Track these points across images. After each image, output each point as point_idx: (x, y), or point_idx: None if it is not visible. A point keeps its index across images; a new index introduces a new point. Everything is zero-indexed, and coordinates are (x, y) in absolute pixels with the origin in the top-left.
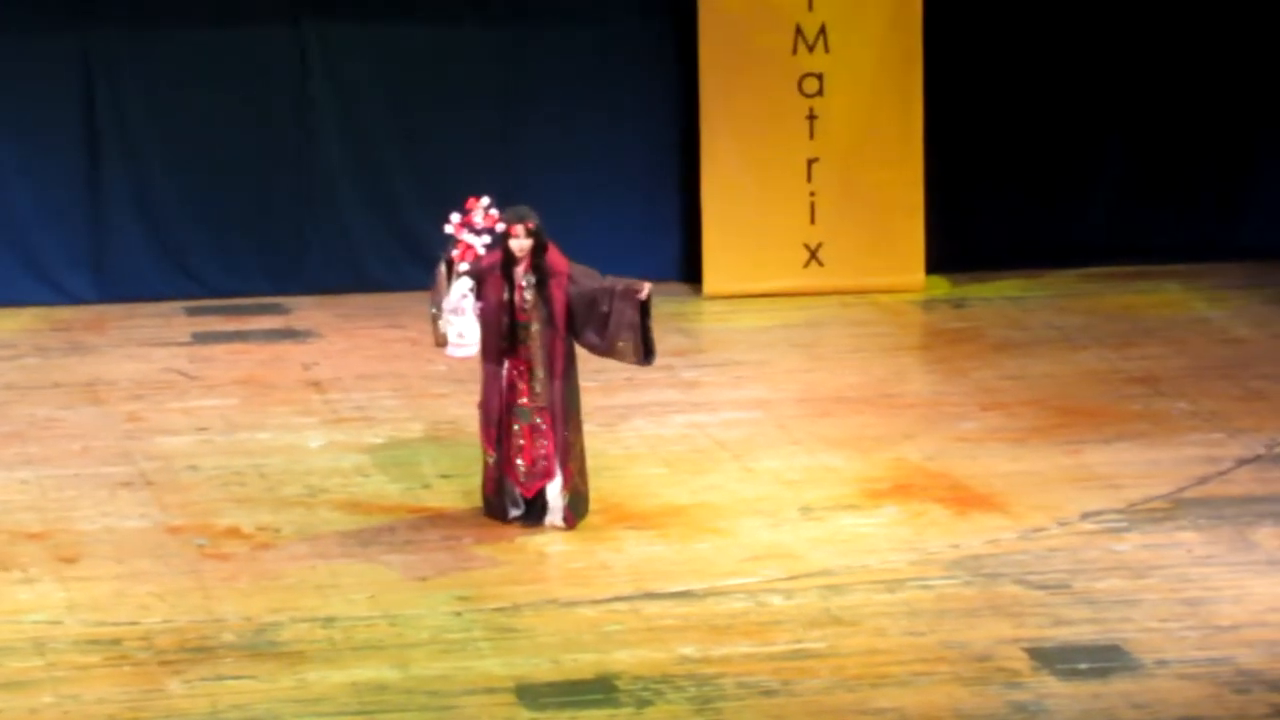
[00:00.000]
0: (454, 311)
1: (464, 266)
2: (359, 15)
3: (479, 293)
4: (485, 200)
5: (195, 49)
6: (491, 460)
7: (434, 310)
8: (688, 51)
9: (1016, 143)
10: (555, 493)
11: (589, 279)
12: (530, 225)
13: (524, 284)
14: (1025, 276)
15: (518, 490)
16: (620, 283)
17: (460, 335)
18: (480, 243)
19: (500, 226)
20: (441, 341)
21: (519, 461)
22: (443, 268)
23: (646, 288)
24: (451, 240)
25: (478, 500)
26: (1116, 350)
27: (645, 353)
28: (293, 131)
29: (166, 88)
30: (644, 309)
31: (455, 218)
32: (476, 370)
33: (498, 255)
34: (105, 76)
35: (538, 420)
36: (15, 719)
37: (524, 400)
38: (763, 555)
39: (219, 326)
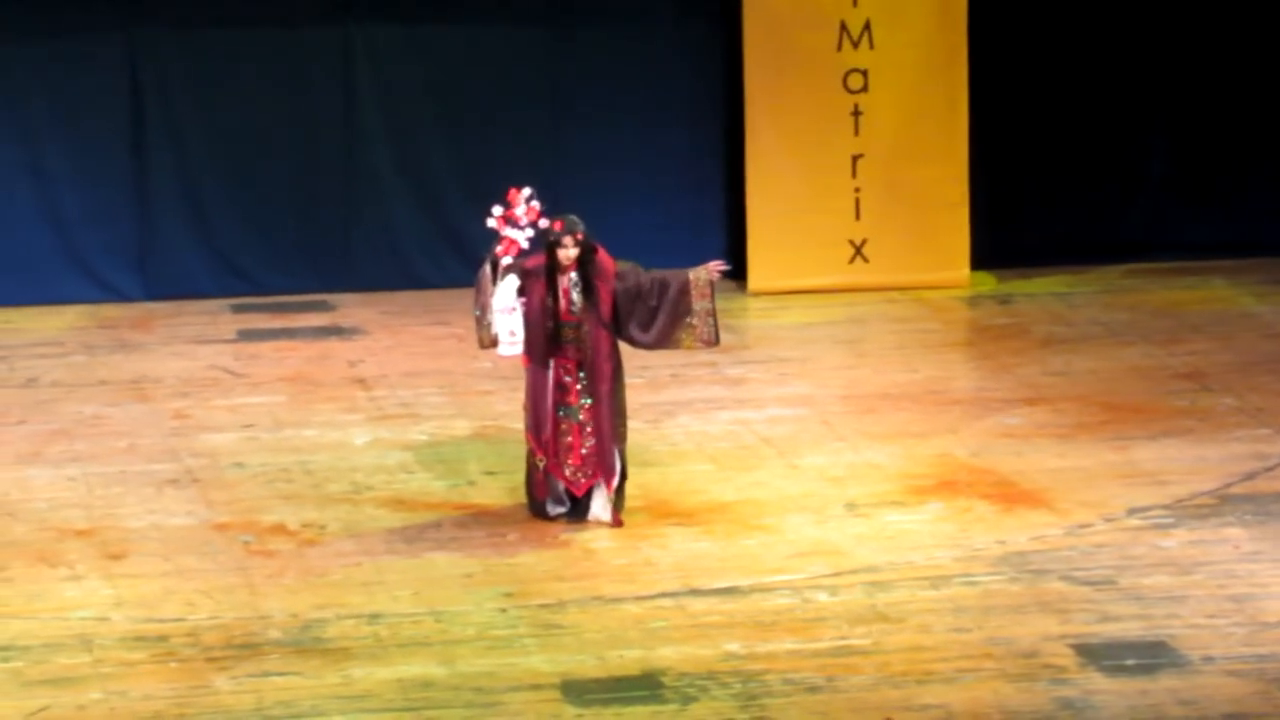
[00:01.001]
0: (504, 310)
1: (507, 261)
2: (404, 15)
3: (522, 293)
4: (527, 191)
5: (241, 48)
6: (541, 465)
7: (478, 312)
8: (732, 48)
9: (1061, 138)
10: (603, 491)
11: (634, 274)
12: (579, 236)
13: (570, 286)
14: (1071, 272)
15: (562, 486)
16: (673, 277)
17: (512, 333)
18: (524, 236)
19: (544, 223)
20: (487, 343)
21: (568, 461)
22: (487, 268)
23: (714, 270)
24: (495, 238)
25: (523, 497)
26: (1163, 346)
27: (715, 335)
28: (338, 130)
29: (212, 87)
30: (713, 290)
31: (497, 211)
32: (521, 368)
33: (543, 259)
34: (152, 76)
35: (586, 419)
36: (63, 715)
37: (572, 399)
38: (808, 551)
39: (265, 324)
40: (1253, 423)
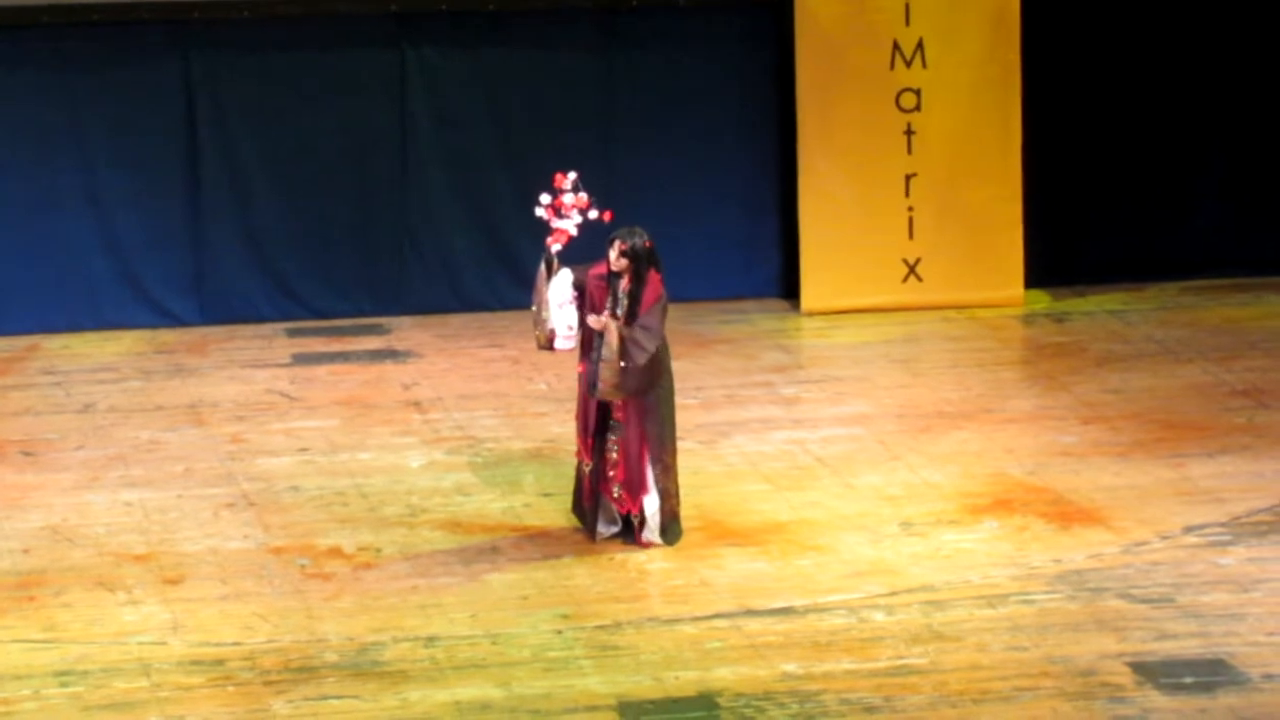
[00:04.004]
0: (561, 303)
1: (557, 248)
2: (459, 39)
3: (582, 299)
4: (573, 175)
5: (296, 73)
6: (587, 469)
7: (534, 308)
8: (785, 68)
9: (1116, 156)
10: (654, 510)
11: (647, 319)
12: (623, 246)
13: (622, 295)
14: (1126, 290)
15: (615, 507)
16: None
17: (570, 327)
18: (573, 225)
19: (593, 214)
20: (544, 341)
21: (612, 474)
22: (543, 268)
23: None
24: (546, 230)
25: (576, 519)
26: (1219, 363)
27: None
28: (393, 154)
29: (268, 112)
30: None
31: (545, 199)
32: (575, 386)
33: (602, 266)
34: (207, 102)
35: (631, 436)
36: None
37: (619, 416)
38: (864, 571)
39: (320, 347)
40: None
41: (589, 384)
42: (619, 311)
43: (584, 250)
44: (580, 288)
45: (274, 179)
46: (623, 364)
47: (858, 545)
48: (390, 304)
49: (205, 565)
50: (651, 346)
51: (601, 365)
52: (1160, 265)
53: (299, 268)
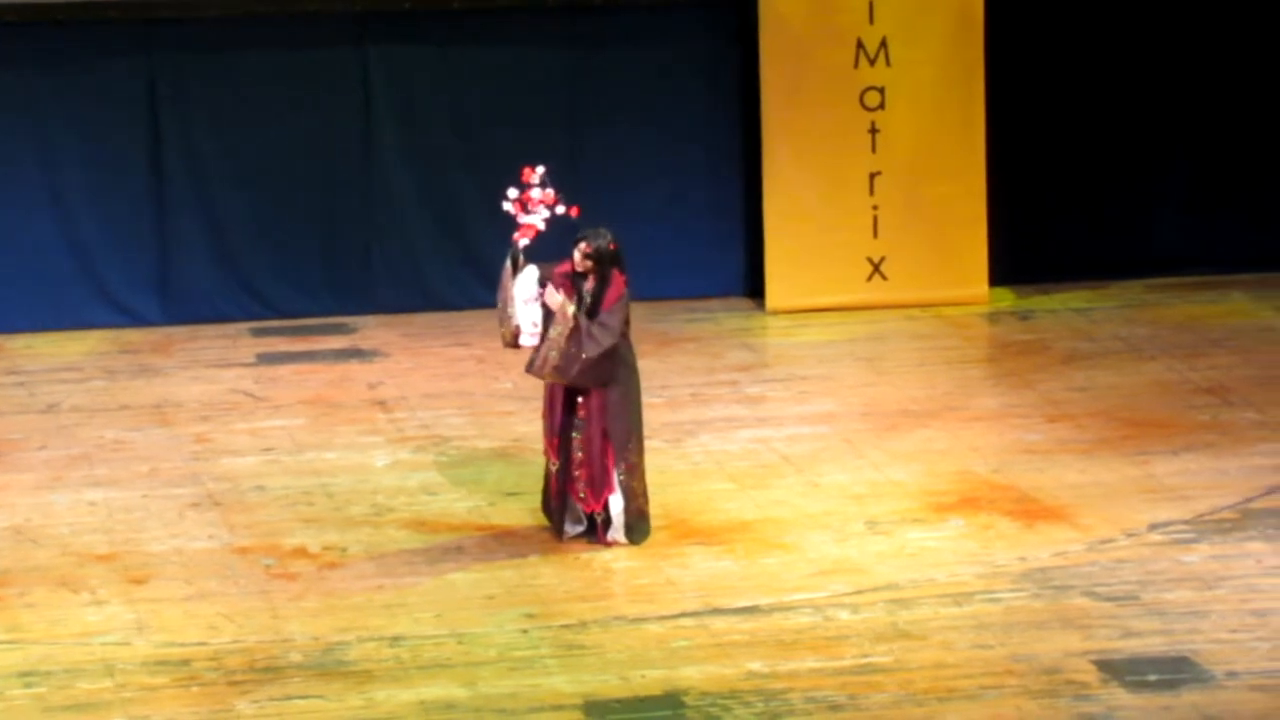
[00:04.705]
0: (526, 300)
1: (525, 243)
2: (423, 38)
3: (543, 284)
4: (540, 169)
5: (260, 72)
6: (555, 468)
7: (500, 304)
8: (750, 66)
9: (1079, 153)
10: (618, 509)
11: (606, 317)
12: (589, 248)
13: (585, 295)
14: (1090, 288)
15: (580, 507)
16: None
17: (535, 324)
18: (540, 219)
19: (560, 209)
20: (509, 338)
21: (577, 474)
22: (509, 264)
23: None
24: (512, 227)
25: (544, 518)
26: (1184, 360)
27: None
28: (358, 153)
29: (231, 111)
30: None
31: (512, 193)
32: (541, 385)
33: (568, 265)
34: (170, 100)
35: (594, 434)
36: None
37: (583, 413)
38: (829, 570)
39: (285, 347)
40: (1274, 437)
41: (529, 361)
42: (581, 310)
43: (551, 247)
44: (545, 285)
45: (237, 178)
46: (569, 348)
47: (823, 544)
48: (355, 303)
49: (170, 565)
50: (606, 342)
51: (546, 344)
52: (1124, 263)
53: (263, 267)
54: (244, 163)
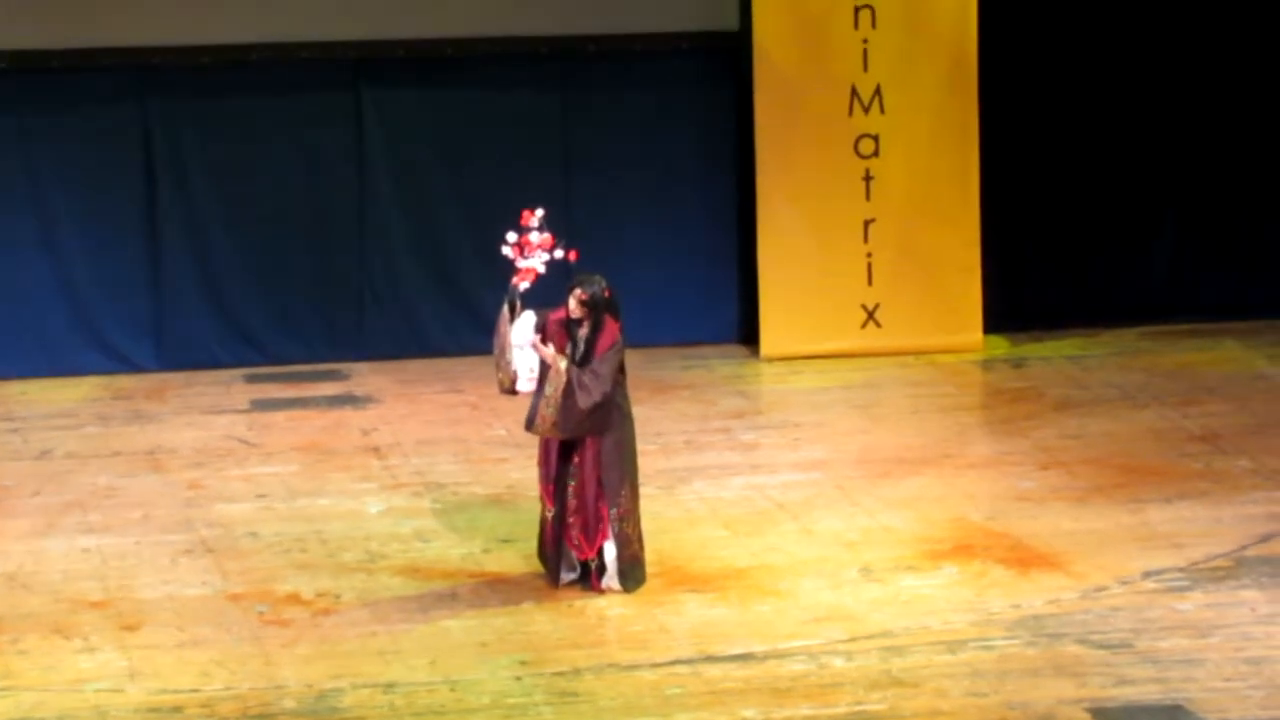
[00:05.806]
0: (522, 345)
1: (525, 286)
2: (416, 81)
3: (540, 330)
4: (540, 213)
5: (254, 118)
6: (550, 514)
7: (496, 350)
8: (744, 112)
9: (1072, 202)
10: (612, 555)
11: (599, 365)
12: (583, 295)
13: (580, 341)
14: (1084, 335)
15: (574, 554)
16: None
17: (532, 370)
18: (538, 263)
19: (559, 253)
20: (507, 384)
21: (572, 520)
22: (506, 308)
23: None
24: (507, 272)
25: (538, 564)
26: (1177, 408)
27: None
28: (351, 198)
29: (225, 157)
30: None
31: (511, 237)
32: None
33: (563, 312)
34: (165, 146)
35: (587, 481)
36: None
37: (578, 460)
38: (823, 617)
39: (279, 393)
40: (1268, 484)
41: (527, 418)
42: (575, 357)
43: (548, 291)
44: (541, 331)
45: (232, 224)
46: (565, 402)
47: (817, 591)
48: (349, 349)
49: (163, 612)
50: (598, 393)
51: (542, 401)
52: (1117, 310)
53: (257, 313)
54: (238, 209)
